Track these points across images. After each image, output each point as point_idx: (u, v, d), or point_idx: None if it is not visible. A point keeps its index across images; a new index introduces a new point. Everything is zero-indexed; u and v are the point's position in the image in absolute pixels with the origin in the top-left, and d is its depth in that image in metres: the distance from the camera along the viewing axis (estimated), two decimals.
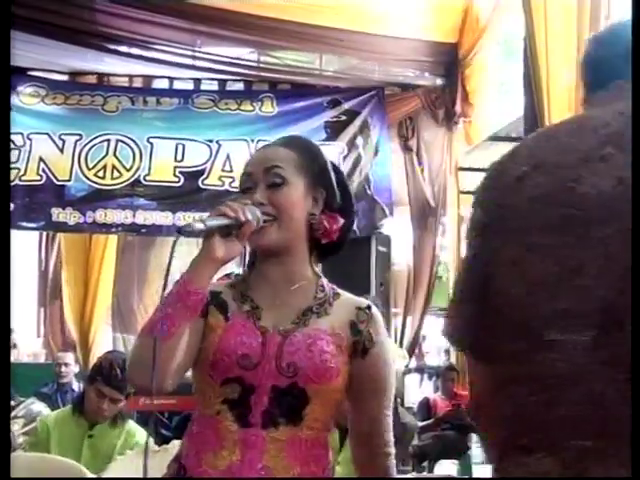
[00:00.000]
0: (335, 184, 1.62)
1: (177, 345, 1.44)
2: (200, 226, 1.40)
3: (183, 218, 4.98)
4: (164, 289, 1.47)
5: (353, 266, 4.28)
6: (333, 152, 5.22)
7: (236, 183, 5.75)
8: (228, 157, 5.09)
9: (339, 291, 1.63)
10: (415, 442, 4.92)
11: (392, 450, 1.60)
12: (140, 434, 3.19)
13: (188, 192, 5.05)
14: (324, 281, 1.62)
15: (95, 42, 4.87)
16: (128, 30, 4.81)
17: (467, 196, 7.38)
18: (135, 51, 5.05)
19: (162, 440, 3.65)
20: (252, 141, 5.11)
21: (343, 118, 5.37)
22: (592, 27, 3.38)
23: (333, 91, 5.50)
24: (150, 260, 7.08)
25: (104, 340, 6.28)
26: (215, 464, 1.47)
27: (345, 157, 5.28)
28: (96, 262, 6.04)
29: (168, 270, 1.48)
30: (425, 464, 5.70)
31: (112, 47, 4.96)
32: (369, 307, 1.60)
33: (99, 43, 4.89)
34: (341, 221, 1.60)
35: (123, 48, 5.02)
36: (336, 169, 1.68)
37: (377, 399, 1.58)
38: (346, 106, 5.40)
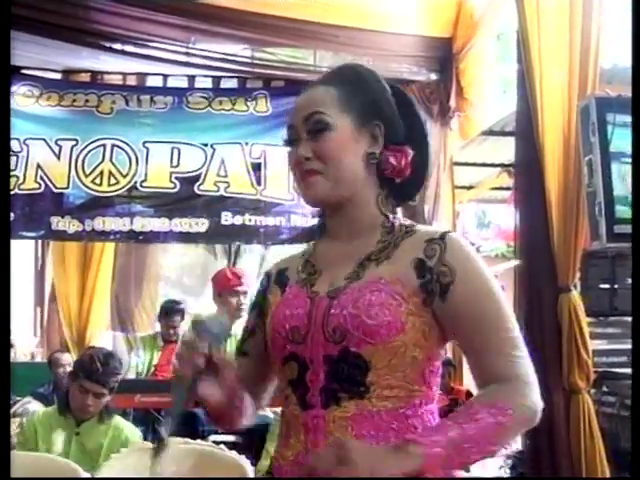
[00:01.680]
0: (396, 113, 1.42)
1: (249, 412, 1.50)
2: (167, 435, 1.36)
3: (180, 224, 4.98)
4: None
5: None
6: None
7: (231, 188, 5.75)
8: (223, 162, 5.08)
9: (417, 228, 1.40)
10: None
11: (529, 396, 1.28)
12: (129, 429, 3.22)
13: (184, 198, 5.04)
14: (397, 221, 1.41)
15: (89, 40, 4.84)
16: (122, 27, 4.78)
17: (461, 191, 7.39)
18: (129, 48, 5.02)
19: (158, 438, 3.66)
20: (246, 144, 5.11)
21: None
22: (584, 22, 3.38)
23: None
24: (147, 259, 7.09)
25: (102, 339, 6.27)
26: (285, 455, 1.35)
27: None
28: (94, 262, 6.02)
29: None
30: None
31: (106, 44, 4.94)
32: (442, 237, 1.33)
33: (93, 41, 4.87)
34: (410, 153, 1.41)
35: (117, 45, 4.99)
36: (399, 95, 1.47)
37: (489, 345, 1.29)
38: None
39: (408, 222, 1.42)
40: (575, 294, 3.42)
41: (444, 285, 1.29)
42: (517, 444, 6.48)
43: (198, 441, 2.87)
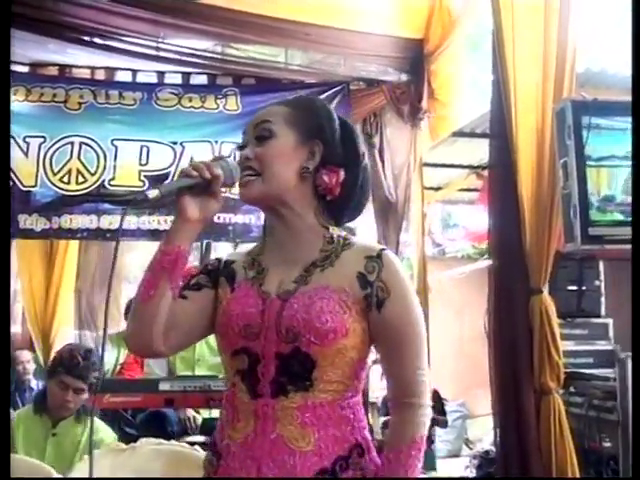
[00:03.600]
0: (337, 138, 1.59)
1: (158, 306, 1.48)
2: (155, 193, 1.47)
3: (148, 222, 4.92)
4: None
5: None
6: None
7: None
8: (192, 160, 5.04)
9: (353, 240, 1.59)
10: (379, 437, 4.93)
11: (426, 409, 1.51)
12: (104, 430, 3.16)
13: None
14: (335, 233, 1.58)
15: (57, 32, 4.77)
16: (90, 20, 4.72)
17: (431, 192, 7.42)
18: (97, 42, 4.94)
19: (126, 438, 3.61)
20: (216, 142, 5.07)
21: None
22: (560, 25, 3.41)
23: (298, 87, 5.45)
24: (111, 256, 6.98)
25: (66, 337, 6.17)
26: (234, 436, 1.50)
27: None
28: (59, 258, 5.93)
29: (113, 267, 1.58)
30: None
31: (74, 37, 4.86)
32: (379, 255, 1.53)
33: (61, 33, 4.79)
34: (342, 175, 1.57)
35: (85, 38, 4.91)
36: (345, 125, 1.64)
37: (404, 357, 1.51)
38: None
39: (344, 234, 1.60)
40: (546, 295, 3.44)
41: (380, 300, 1.49)
42: (483, 444, 6.53)
43: (172, 442, 2.83)
